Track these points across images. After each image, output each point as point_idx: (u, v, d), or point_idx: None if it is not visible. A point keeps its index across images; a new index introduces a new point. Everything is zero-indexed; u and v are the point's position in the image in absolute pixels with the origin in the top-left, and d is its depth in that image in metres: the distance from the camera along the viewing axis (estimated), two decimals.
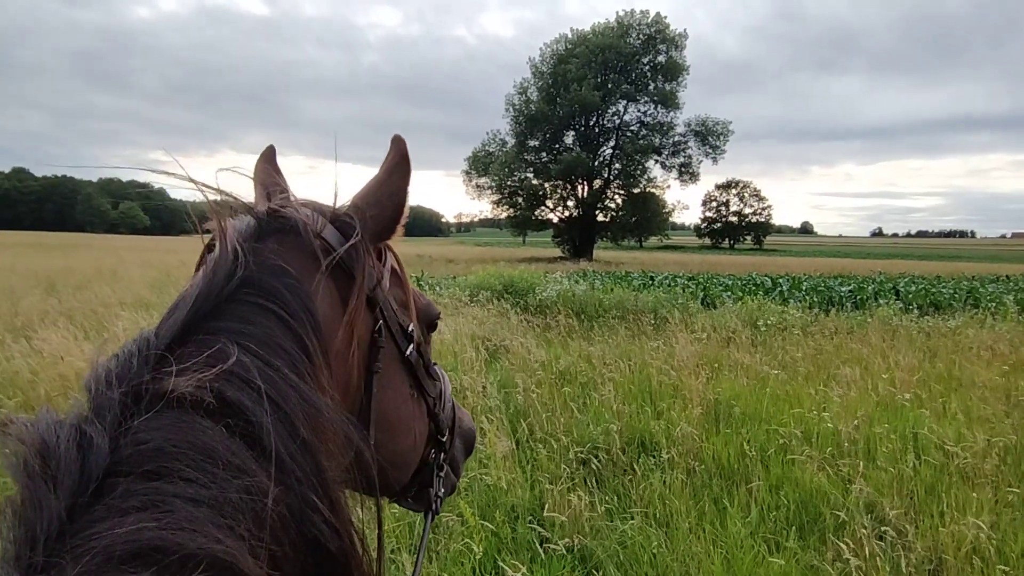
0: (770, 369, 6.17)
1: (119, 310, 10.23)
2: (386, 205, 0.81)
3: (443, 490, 1.02)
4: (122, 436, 0.48)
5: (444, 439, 0.98)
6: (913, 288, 13.77)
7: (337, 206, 0.79)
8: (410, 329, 0.84)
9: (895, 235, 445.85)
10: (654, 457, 4.26)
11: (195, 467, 0.48)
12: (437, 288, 13.06)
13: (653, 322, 9.19)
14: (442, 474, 1.00)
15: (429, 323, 0.97)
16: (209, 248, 0.72)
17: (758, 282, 15.40)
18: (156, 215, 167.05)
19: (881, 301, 12.14)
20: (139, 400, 0.51)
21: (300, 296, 0.65)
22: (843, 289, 12.90)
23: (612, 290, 12.04)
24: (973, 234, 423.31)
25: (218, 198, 0.72)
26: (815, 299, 12.59)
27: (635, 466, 4.07)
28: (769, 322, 8.78)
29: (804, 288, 13.70)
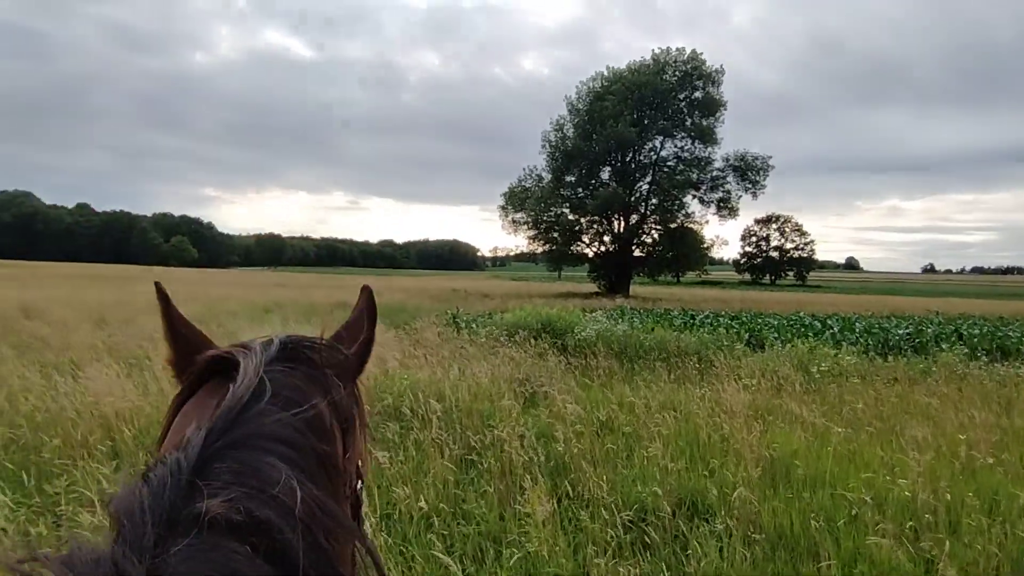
0: (829, 423, 5.74)
1: (162, 343, 10.44)
2: (358, 348, 0.94)
3: None
4: (159, 568, 0.49)
5: None
6: (977, 331, 12.92)
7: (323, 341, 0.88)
8: (360, 465, 0.89)
9: (948, 271, 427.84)
10: (707, 522, 3.93)
11: None
12: (473, 325, 12.93)
13: (697, 366, 8.80)
14: None
15: (361, 472, 0.98)
16: (217, 371, 0.79)
17: (806, 323, 14.71)
18: (204, 247, 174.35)
19: (943, 345, 11.41)
20: (173, 528, 0.53)
21: (320, 412, 0.73)
22: (900, 331, 12.18)
23: (653, 330, 11.69)
24: None
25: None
26: (869, 342, 11.94)
27: (686, 532, 3.75)
28: (823, 368, 8.28)
29: (857, 330, 13.01)
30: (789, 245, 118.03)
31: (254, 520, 0.55)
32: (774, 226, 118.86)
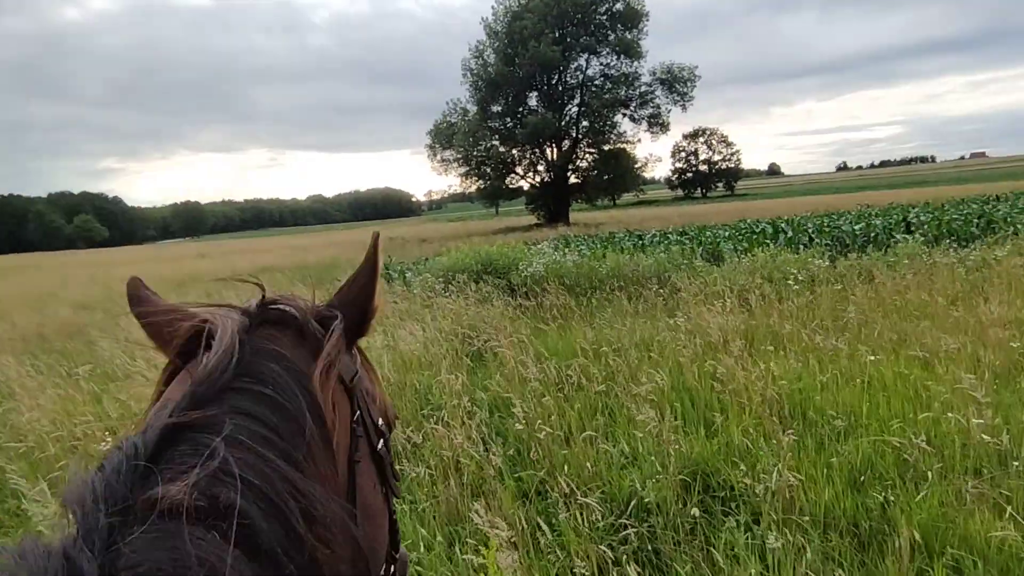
0: (830, 340, 4.86)
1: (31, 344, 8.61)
2: (358, 305, 0.83)
3: None
4: (115, 559, 0.46)
5: (396, 555, 0.89)
6: (926, 218, 12.62)
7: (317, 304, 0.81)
8: (380, 424, 0.84)
9: (859, 167, 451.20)
10: (728, 507, 2.93)
11: None
12: (407, 275, 11.52)
13: (661, 292, 7.83)
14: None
15: (390, 424, 0.93)
16: (194, 342, 0.69)
17: (757, 229, 14.10)
18: (114, 224, 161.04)
19: (897, 236, 10.96)
20: (128, 516, 0.49)
21: (297, 378, 0.67)
22: (855, 228, 11.68)
23: (604, 256, 10.66)
24: (934, 159, 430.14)
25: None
26: (826, 242, 11.39)
27: (705, 528, 2.73)
28: (797, 275, 7.47)
29: (810, 230, 12.45)
30: (717, 157, 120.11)
31: (217, 504, 0.51)
32: (701, 140, 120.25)
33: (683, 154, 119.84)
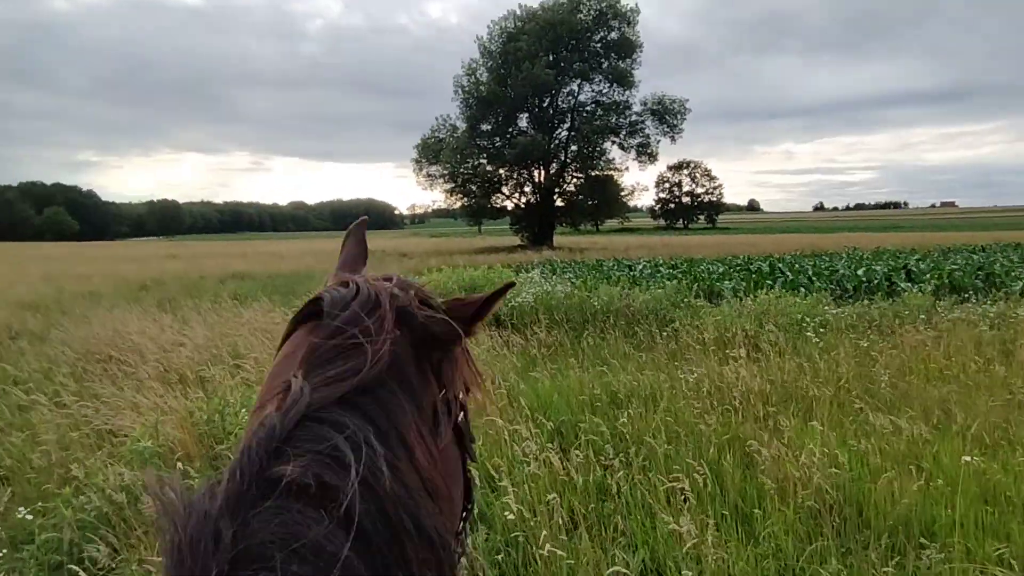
0: (885, 414, 4.17)
1: None
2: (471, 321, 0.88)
3: (468, 536, 1.03)
4: (244, 528, 0.53)
5: (471, 506, 0.99)
6: (923, 266, 12.23)
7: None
8: (460, 397, 0.87)
9: (836, 208, 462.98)
10: None
11: (299, 559, 0.52)
12: None
13: (663, 333, 7.13)
14: (468, 522, 1.00)
15: (472, 386, 0.94)
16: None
17: (754, 267, 13.55)
18: (86, 218, 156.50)
19: (901, 284, 10.50)
20: (261, 490, 0.55)
21: (409, 374, 0.72)
22: (858, 272, 11.20)
23: (595, 288, 9.95)
24: (906, 204, 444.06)
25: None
26: (822, 284, 10.89)
27: None
28: (813, 324, 6.83)
29: (809, 272, 11.93)
30: (700, 190, 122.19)
31: (324, 486, 0.56)
32: (685, 172, 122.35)
33: (667, 185, 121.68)
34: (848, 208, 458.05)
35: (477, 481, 3.12)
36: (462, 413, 0.87)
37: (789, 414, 4.53)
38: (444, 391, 0.80)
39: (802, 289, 10.43)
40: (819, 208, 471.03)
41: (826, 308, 7.94)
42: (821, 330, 7.05)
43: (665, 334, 7.17)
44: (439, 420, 0.77)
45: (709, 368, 5.62)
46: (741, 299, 9.42)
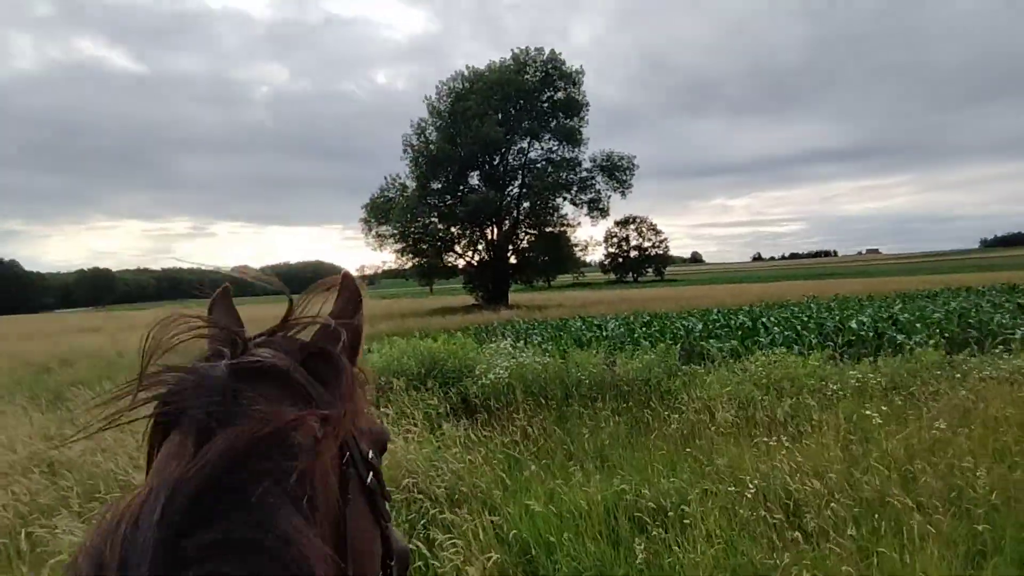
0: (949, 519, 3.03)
1: None
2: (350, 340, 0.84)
3: None
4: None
5: (392, 562, 0.88)
6: (908, 316, 11.65)
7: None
8: (370, 457, 0.81)
9: (772, 258, 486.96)
10: None
11: None
12: None
13: (665, 406, 5.91)
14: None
15: (382, 448, 0.90)
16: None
17: (733, 323, 12.65)
18: (5, 289, 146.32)
19: (897, 337, 9.76)
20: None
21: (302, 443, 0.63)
22: (852, 324, 10.42)
23: (568, 355, 8.70)
24: (836, 252, 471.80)
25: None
26: (812, 339, 10.06)
27: None
28: (838, 390, 5.79)
29: (798, 327, 11.10)
30: (647, 244, 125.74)
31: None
32: (632, 227, 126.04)
33: (615, 239, 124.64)
34: (784, 257, 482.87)
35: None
36: (371, 474, 0.80)
37: (872, 530, 3.35)
38: (347, 453, 0.74)
39: (795, 346, 9.54)
40: (757, 258, 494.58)
41: (853, 371, 6.97)
42: (844, 397, 6.01)
43: (666, 411, 5.97)
44: (344, 484, 0.72)
45: (732, 457, 4.43)
46: (732, 361, 8.41)
